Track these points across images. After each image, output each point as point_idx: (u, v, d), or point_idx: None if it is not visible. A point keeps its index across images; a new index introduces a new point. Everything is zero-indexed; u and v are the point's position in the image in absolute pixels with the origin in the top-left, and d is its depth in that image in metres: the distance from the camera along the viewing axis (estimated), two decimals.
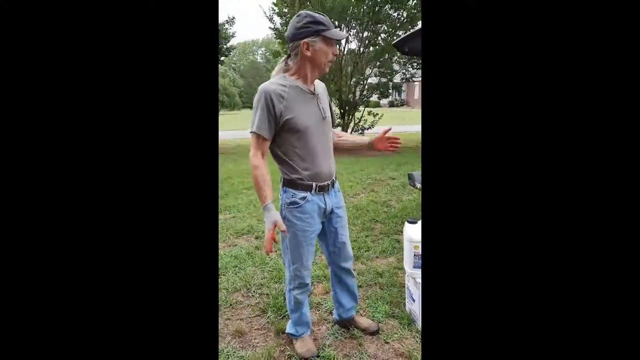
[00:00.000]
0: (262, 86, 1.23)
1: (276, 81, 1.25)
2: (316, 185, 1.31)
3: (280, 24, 7.26)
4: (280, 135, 1.26)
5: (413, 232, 1.61)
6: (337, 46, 7.05)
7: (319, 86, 1.35)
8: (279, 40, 7.54)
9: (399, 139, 1.45)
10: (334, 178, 1.39)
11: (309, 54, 1.21)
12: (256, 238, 2.75)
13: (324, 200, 1.35)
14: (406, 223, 1.69)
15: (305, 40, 1.20)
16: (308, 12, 1.22)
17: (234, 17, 8.40)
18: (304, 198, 1.30)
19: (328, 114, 1.36)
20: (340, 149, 1.48)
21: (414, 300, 1.63)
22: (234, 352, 1.50)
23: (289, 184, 1.31)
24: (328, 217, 1.41)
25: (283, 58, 1.31)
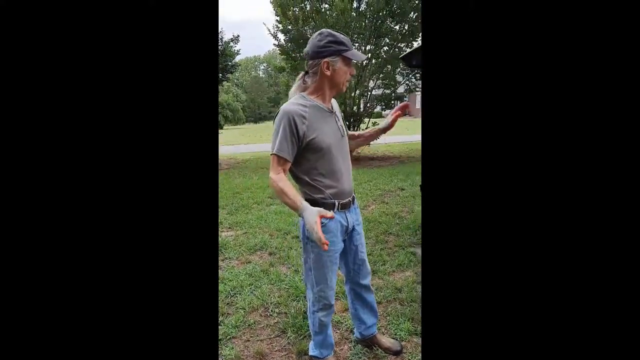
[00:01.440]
0: (284, 107, 1.22)
1: (296, 101, 1.24)
2: (339, 203, 1.29)
3: (284, 40, 7.38)
4: (303, 156, 1.24)
5: None
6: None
7: (334, 104, 1.34)
8: (283, 56, 7.65)
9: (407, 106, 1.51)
10: (353, 194, 1.38)
11: (328, 73, 1.21)
12: (270, 254, 2.73)
13: (346, 217, 1.34)
14: None
15: (326, 59, 1.19)
16: (330, 31, 1.22)
17: (238, 35, 8.51)
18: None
19: (346, 132, 1.35)
20: (362, 143, 1.60)
21: None
22: None
23: (311, 204, 1.29)
24: (349, 234, 1.39)
25: (300, 76, 1.31)
